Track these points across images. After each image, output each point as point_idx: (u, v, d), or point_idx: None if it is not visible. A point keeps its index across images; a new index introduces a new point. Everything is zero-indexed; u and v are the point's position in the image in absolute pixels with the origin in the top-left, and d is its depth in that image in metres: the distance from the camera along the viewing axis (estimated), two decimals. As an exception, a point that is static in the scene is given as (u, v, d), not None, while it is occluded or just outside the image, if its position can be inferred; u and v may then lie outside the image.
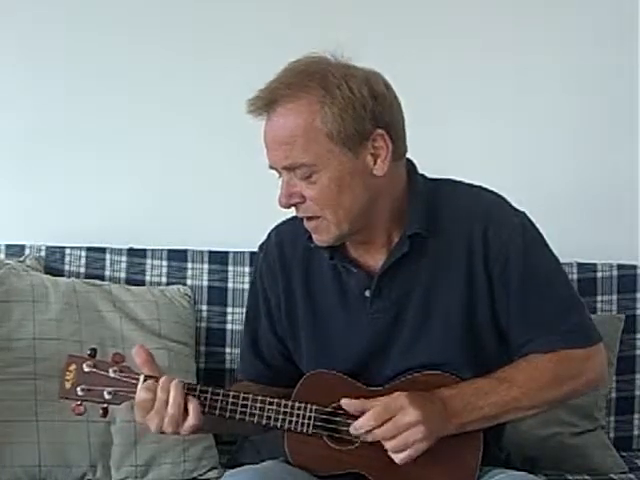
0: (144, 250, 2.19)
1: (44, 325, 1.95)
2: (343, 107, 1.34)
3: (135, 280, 2.17)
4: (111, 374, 1.39)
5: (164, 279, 2.18)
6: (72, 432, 1.88)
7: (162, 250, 2.19)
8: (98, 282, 2.10)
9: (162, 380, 1.36)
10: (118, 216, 2.30)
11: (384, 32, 2.29)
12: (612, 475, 1.99)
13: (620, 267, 2.20)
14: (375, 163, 1.38)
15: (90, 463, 1.90)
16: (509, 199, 1.48)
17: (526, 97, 2.34)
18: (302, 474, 1.42)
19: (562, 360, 1.40)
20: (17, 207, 2.31)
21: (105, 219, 2.30)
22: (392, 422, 1.30)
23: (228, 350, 2.15)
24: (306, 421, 1.39)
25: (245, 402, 1.39)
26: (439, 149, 2.16)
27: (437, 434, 1.33)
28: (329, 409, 1.40)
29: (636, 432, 2.20)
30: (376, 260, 1.45)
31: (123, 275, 2.17)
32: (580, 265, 2.19)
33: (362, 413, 1.33)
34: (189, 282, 2.17)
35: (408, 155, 1.47)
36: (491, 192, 1.48)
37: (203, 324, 2.16)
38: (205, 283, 2.17)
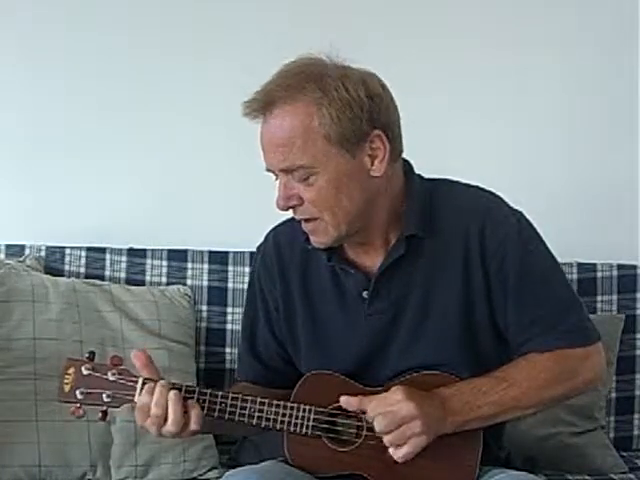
0: (144, 250, 2.19)
1: (44, 325, 1.95)
2: (340, 108, 1.34)
3: (135, 280, 2.17)
4: (110, 377, 1.39)
5: (164, 279, 2.18)
6: (72, 432, 1.88)
7: (162, 250, 2.19)
8: (98, 282, 2.11)
9: (156, 394, 1.34)
10: (118, 216, 2.30)
11: (384, 32, 2.29)
12: (612, 475, 1.99)
13: (620, 267, 2.20)
14: (372, 164, 1.38)
15: (90, 463, 1.90)
16: (509, 199, 1.48)
17: (526, 97, 2.34)
18: (302, 475, 1.42)
19: (560, 359, 1.40)
20: (17, 207, 2.31)
21: (105, 219, 2.30)
22: (390, 415, 1.30)
23: (228, 350, 2.15)
24: (305, 422, 1.39)
25: (244, 404, 1.39)
26: (438, 149, 2.16)
27: (435, 431, 1.33)
28: (328, 410, 1.40)
29: (636, 432, 2.20)
30: (374, 261, 1.45)
31: (123, 275, 2.17)
32: (580, 265, 2.19)
33: (361, 411, 1.34)
34: (189, 282, 2.17)
35: (407, 156, 1.47)
36: (488, 192, 1.47)
37: (203, 324, 2.16)
38: (205, 283, 2.17)
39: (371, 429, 1.35)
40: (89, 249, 2.18)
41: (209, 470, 1.97)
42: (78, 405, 1.39)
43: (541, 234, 1.47)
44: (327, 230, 1.39)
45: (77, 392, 1.39)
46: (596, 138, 2.37)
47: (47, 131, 2.32)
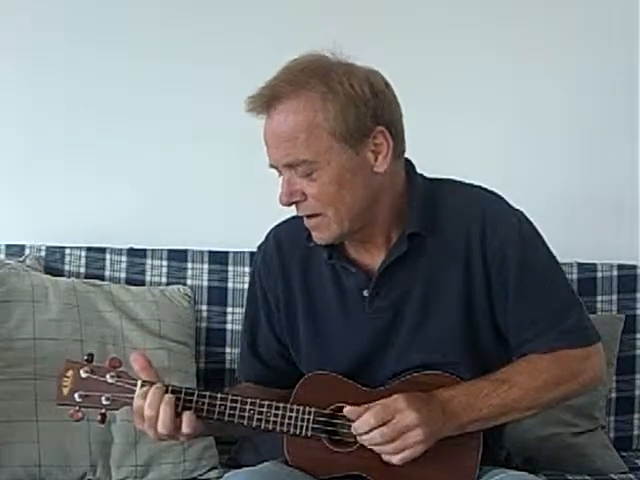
0: (144, 250, 2.19)
1: (44, 325, 1.95)
2: (345, 104, 1.34)
3: (135, 280, 2.17)
4: (108, 379, 1.38)
5: (164, 279, 2.18)
6: (72, 432, 1.88)
7: (162, 250, 2.19)
8: (98, 282, 2.11)
9: (149, 397, 1.34)
10: (118, 216, 2.30)
11: (384, 32, 2.28)
12: (612, 475, 1.99)
13: (620, 267, 2.20)
14: (376, 160, 1.38)
15: (90, 463, 1.90)
16: (509, 199, 1.48)
17: (526, 98, 2.34)
18: (302, 476, 1.42)
19: (561, 360, 1.40)
20: (17, 207, 2.31)
21: (105, 219, 2.30)
22: (391, 425, 1.29)
23: (228, 350, 2.15)
24: (305, 424, 1.38)
25: (244, 406, 1.38)
26: (439, 149, 2.16)
27: (436, 436, 1.32)
28: (328, 411, 1.40)
29: (636, 432, 2.20)
30: (375, 260, 1.45)
31: (123, 275, 2.17)
32: (580, 265, 2.19)
33: None
34: (189, 282, 2.17)
35: (408, 155, 1.47)
36: (489, 191, 1.47)
37: (203, 324, 2.16)
38: (205, 283, 2.17)
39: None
40: (89, 249, 2.18)
41: (209, 470, 1.97)
42: (77, 408, 1.39)
43: (541, 234, 1.47)
44: (330, 226, 1.39)
45: (76, 395, 1.39)
46: (596, 138, 2.37)
47: (47, 131, 2.32)
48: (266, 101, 1.36)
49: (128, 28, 2.32)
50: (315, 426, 1.38)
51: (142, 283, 2.17)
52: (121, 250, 2.19)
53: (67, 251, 2.18)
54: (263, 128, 1.39)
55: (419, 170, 1.49)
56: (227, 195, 2.31)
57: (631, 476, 1.99)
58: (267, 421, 1.38)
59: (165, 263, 2.18)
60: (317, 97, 1.34)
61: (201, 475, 1.96)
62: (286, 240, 1.55)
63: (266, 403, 1.39)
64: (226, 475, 1.42)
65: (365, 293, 1.45)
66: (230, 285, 2.17)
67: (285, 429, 1.39)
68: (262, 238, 1.60)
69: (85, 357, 1.41)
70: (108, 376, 1.39)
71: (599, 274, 2.19)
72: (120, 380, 1.38)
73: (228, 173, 2.31)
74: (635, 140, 2.35)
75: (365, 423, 1.31)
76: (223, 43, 2.31)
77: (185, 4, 2.34)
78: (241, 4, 2.33)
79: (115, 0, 2.33)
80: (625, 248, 2.30)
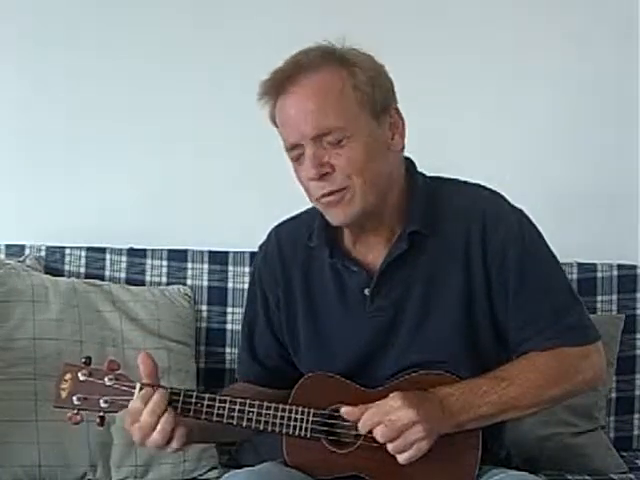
0: (144, 250, 2.19)
1: (44, 325, 1.95)
2: (370, 74, 1.37)
3: (135, 280, 2.17)
4: (107, 382, 1.38)
5: (164, 279, 2.18)
6: (72, 432, 1.87)
7: (162, 250, 2.19)
8: (98, 282, 2.11)
9: (152, 403, 1.33)
10: (118, 216, 2.30)
11: (384, 32, 2.28)
12: (612, 475, 1.99)
13: (620, 267, 2.20)
14: (393, 137, 1.40)
15: (90, 463, 1.90)
16: (509, 199, 1.48)
17: (526, 97, 2.34)
18: (300, 476, 1.42)
19: (560, 358, 1.40)
20: (17, 207, 2.31)
21: (105, 219, 2.30)
22: (390, 423, 1.29)
23: (228, 350, 2.15)
24: (304, 425, 1.38)
25: (242, 407, 1.38)
26: (439, 148, 2.16)
27: (436, 433, 1.32)
28: (327, 412, 1.39)
29: (636, 432, 2.20)
30: (375, 259, 1.45)
31: (123, 275, 2.17)
32: (580, 265, 2.19)
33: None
34: (189, 282, 2.17)
35: (407, 153, 1.48)
36: (489, 190, 1.48)
37: (203, 324, 2.16)
38: (205, 283, 2.17)
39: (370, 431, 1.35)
40: (89, 249, 2.18)
41: (209, 470, 1.97)
42: (75, 411, 1.38)
43: (542, 233, 1.47)
44: (354, 200, 1.37)
45: (74, 398, 1.38)
46: (596, 138, 2.37)
47: (47, 131, 2.32)
48: (288, 76, 1.36)
49: (128, 28, 2.32)
50: (314, 427, 1.38)
51: (142, 283, 2.17)
52: (121, 250, 2.19)
53: (67, 251, 2.18)
54: (282, 108, 1.38)
55: (419, 169, 1.50)
56: (227, 195, 2.31)
57: (631, 476, 1.99)
58: (266, 422, 1.38)
59: (165, 263, 2.18)
60: (342, 68, 1.37)
61: (201, 475, 1.96)
62: (287, 239, 1.55)
63: (265, 404, 1.38)
64: (225, 475, 1.42)
65: (366, 292, 1.45)
66: (230, 285, 2.17)
67: (284, 430, 1.38)
68: (262, 238, 1.60)
69: (83, 360, 1.40)
70: (106, 379, 1.38)
71: (599, 274, 2.19)
72: (118, 383, 1.38)
73: (228, 173, 2.31)
74: (635, 140, 2.35)
75: (364, 424, 1.31)
76: (223, 43, 2.30)
77: (185, 4, 2.34)
78: (241, 4, 2.33)
79: (115, 0, 2.33)
80: (625, 248, 2.29)
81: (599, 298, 2.18)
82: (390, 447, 1.30)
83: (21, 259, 2.12)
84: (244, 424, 1.38)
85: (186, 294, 2.14)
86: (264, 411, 1.38)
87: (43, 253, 2.17)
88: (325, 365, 1.46)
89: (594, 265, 2.20)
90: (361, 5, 2.30)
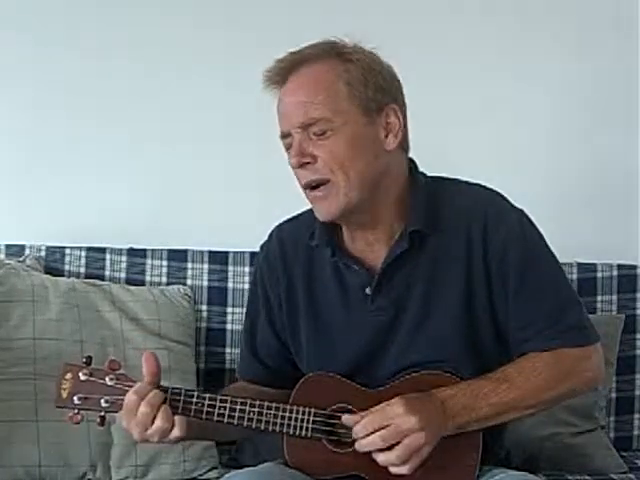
0: (144, 250, 2.19)
1: (44, 325, 1.95)
2: (365, 73, 1.39)
3: (135, 280, 2.17)
4: (108, 382, 1.38)
5: (164, 279, 2.18)
6: (72, 432, 1.87)
7: (162, 250, 2.19)
8: (98, 282, 2.11)
9: (150, 396, 1.33)
10: (118, 216, 2.30)
11: (383, 31, 2.27)
12: (612, 475, 1.99)
13: (620, 267, 2.20)
14: (387, 137, 1.41)
15: (90, 463, 1.90)
16: (509, 199, 1.48)
17: (527, 97, 2.34)
18: (301, 476, 1.42)
19: (560, 359, 1.40)
20: (17, 207, 2.31)
21: (105, 219, 2.30)
22: (391, 429, 1.29)
23: (228, 350, 2.15)
24: (305, 424, 1.38)
25: (243, 407, 1.38)
26: (439, 148, 2.15)
27: (437, 436, 1.32)
28: (327, 412, 1.39)
29: (636, 432, 2.20)
30: (377, 257, 1.46)
31: (123, 275, 2.17)
32: (580, 265, 2.19)
33: None
34: (189, 282, 2.17)
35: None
36: (490, 190, 1.48)
37: (203, 324, 2.16)
38: (205, 283, 2.17)
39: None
40: (89, 249, 2.18)
41: (209, 470, 1.96)
42: (76, 411, 1.38)
43: (542, 233, 1.47)
44: (338, 195, 1.38)
45: (75, 398, 1.38)
46: (596, 138, 2.37)
47: (47, 131, 2.32)
48: (289, 67, 1.40)
49: (128, 28, 2.32)
50: (315, 427, 1.38)
51: (142, 283, 2.17)
52: (121, 250, 2.19)
53: (67, 251, 2.18)
54: (279, 99, 1.41)
55: (419, 168, 1.50)
56: (227, 195, 2.31)
57: (631, 476, 1.99)
58: (267, 422, 1.38)
59: (165, 263, 2.18)
60: (339, 63, 1.39)
61: (201, 475, 1.96)
62: (289, 239, 1.55)
63: (266, 404, 1.38)
64: (226, 476, 1.42)
65: (368, 291, 1.45)
66: (230, 285, 2.17)
67: (285, 430, 1.38)
68: (262, 238, 1.60)
69: (84, 359, 1.40)
70: (107, 378, 1.38)
71: (599, 274, 2.19)
72: (119, 382, 1.38)
73: (228, 173, 2.31)
74: (635, 140, 2.35)
75: (363, 428, 1.31)
76: (224, 43, 2.30)
77: (186, 3, 2.34)
78: (242, 4, 2.33)
79: (116, 1, 2.32)
80: (625, 248, 2.30)
81: (599, 298, 2.18)
82: (393, 456, 1.30)
83: (21, 259, 2.12)
84: (245, 424, 1.38)
85: (186, 294, 2.14)
86: (265, 411, 1.38)
87: (43, 253, 2.17)
88: (326, 364, 1.46)
89: (594, 265, 2.20)
90: (361, 5, 2.30)
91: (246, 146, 2.27)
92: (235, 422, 1.38)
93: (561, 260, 1.49)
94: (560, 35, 2.35)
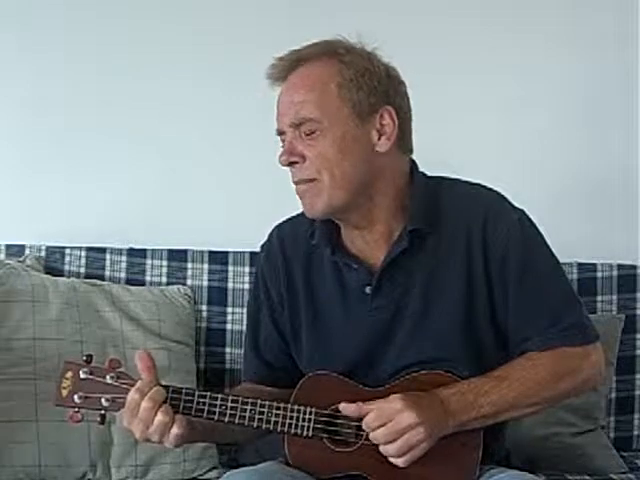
0: (144, 250, 2.19)
1: (44, 325, 1.95)
2: (360, 74, 1.39)
3: (135, 280, 2.17)
4: (108, 380, 1.38)
5: (164, 279, 2.18)
6: (72, 432, 1.87)
7: (162, 250, 2.19)
8: (98, 282, 2.11)
9: (152, 393, 1.34)
10: (118, 216, 2.30)
11: (383, 31, 2.27)
12: (612, 475, 1.99)
13: (620, 267, 2.20)
14: (379, 139, 1.41)
15: (90, 463, 1.90)
16: (509, 198, 1.48)
17: (526, 97, 2.34)
18: (302, 475, 1.42)
19: (560, 358, 1.40)
20: (17, 207, 2.31)
21: (105, 219, 2.30)
22: (391, 425, 1.30)
23: (228, 350, 2.15)
24: (305, 424, 1.38)
25: (244, 406, 1.38)
26: (438, 148, 2.15)
27: (437, 434, 1.32)
28: (328, 411, 1.39)
29: (636, 432, 2.20)
30: (377, 256, 1.46)
31: (123, 275, 2.17)
32: (580, 265, 2.19)
33: (360, 417, 1.33)
34: (189, 282, 2.17)
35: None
36: (490, 189, 1.48)
37: (203, 324, 2.16)
38: (205, 283, 2.17)
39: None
40: (89, 249, 2.18)
41: (209, 470, 1.97)
42: (76, 410, 1.38)
43: (542, 233, 1.47)
44: (322, 194, 1.40)
45: (75, 396, 1.38)
46: (596, 138, 2.37)
47: (47, 131, 2.32)
48: (289, 66, 1.41)
49: (128, 29, 2.32)
50: (316, 426, 1.38)
51: (142, 283, 2.17)
52: (121, 250, 2.19)
53: (67, 251, 2.18)
54: (279, 93, 1.43)
55: (420, 169, 1.50)
56: (227, 195, 2.31)
57: (631, 476, 1.99)
58: (268, 421, 1.38)
59: (165, 263, 2.18)
60: (335, 63, 1.40)
61: (201, 475, 1.96)
62: (289, 238, 1.55)
63: (267, 403, 1.38)
64: (227, 474, 1.41)
65: (367, 290, 1.45)
66: (230, 285, 2.17)
67: (286, 429, 1.38)
68: (262, 238, 1.61)
69: (84, 358, 1.40)
70: (108, 377, 1.38)
71: (599, 274, 2.19)
72: (120, 381, 1.38)
73: (228, 173, 2.31)
74: (635, 140, 2.35)
75: (366, 425, 1.31)
76: (224, 43, 2.30)
77: (186, 7, 2.34)
78: (242, 3, 2.33)
79: (115, 2, 2.33)
80: (625, 248, 2.30)
81: (599, 298, 2.18)
82: (391, 449, 1.30)
83: (21, 259, 2.12)
84: (246, 423, 1.38)
85: (186, 294, 2.14)
86: (266, 410, 1.38)
87: (43, 253, 2.17)
88: (326, 363, 1.46)
89: (594, 265, 2.20)
90: (361, 6, 2.30)
91: (246, 146, 2.27)
92: (236, 421, 1.38)
93: (561, 260, 1.49)
94: (560, 35, 2.35)
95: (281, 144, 1.44)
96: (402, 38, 2.27)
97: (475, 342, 1.43)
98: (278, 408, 1.38)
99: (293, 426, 1.38)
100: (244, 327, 1.69)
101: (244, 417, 1.38)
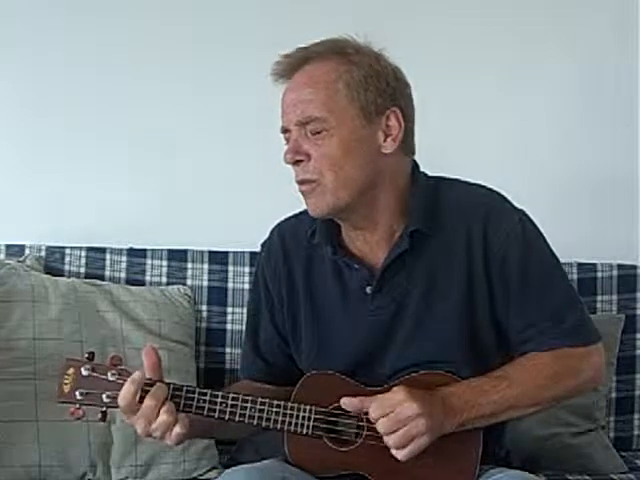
0: (144, 250, 2.19)
1: (44, 325, 1.94)
2: (368, 75, 1.39)
3: (135, 280, 2.17)
4: (109, 377, 1.38)
5: (164, 279, 2.18)
6: (72, 432, 1.88)
7: (162, 250, 2.19)
8: (98, 282, 2.11)
9: (155, 389, 1.34)
10: (118, 216, 2.30)
11: (383, 30, 2.27)
12: (612, 475, 1.99)
13: (620, 267, 2.20)
14: (385, 141, 1.41)
15: (90, 463, 1.90)
16: (509, 199, 1.48)
17: (526, 96, 2.34)
18: (301, 473, 1.42)
19: (561, 358, 1.40)
20: (17, 207, 2.31)
21: (105, 219, 2.30)
22: (393, 415, 1.30)
23: (228, 350, 2.15)
24: (306, 422, 1.39)
25: (245, 404, 1.38)
26: (439, 148, 2.15)
27: (437, 430, 1.32)
28: (329, 410, 1.40)
29: (636, 432, 2.20)
30: (377, 256, 1.46)
31: (123, 275, 2.17)
32: (580, 265, 2.19)
33: (362, 412, 1.34)
34: (189, 282, 2.17)
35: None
36: (490, 190, 1.48)
37: (203, 324, 2.16)
38: (205, 283, 2.17)
39: (372, 429, 1.35)
40: (89, 249, 2.18)
41: (209, 470, 1.97)
42: (77, 406, 1.38)
43: (543, 233, 1.47)
44: (325, 194, 1.40)
45: (77, 393, 1.38)
46: (596, 138, 2.37)
47: (47, 131, 2.32)
48: (295, 63, 1.40)
49: (128, 29, 2.32)
50: (316, 424, 1.39)
51: (142, 283, 2.17)
52: (121, 250, 2.19)
53: (67, 251, 2.18)
54: (284, 92, 1.42)
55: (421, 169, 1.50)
56: (227, 195, 2.31)
57: (631, 476, 1.99)
58: (268, 419, 1.39)
59: (165, 263, 2.18)
60: (343, 63, 1.39)
61: (201, 475, 1.96)
62: (289, 237, 1.55)
63: (267, 401, 1.39)
64: (227, 471, 1.42)
65: (368, 290, 1.45)
66: (230, 285, 2.17)
67: (286, 427, 1.39)
68: (262, 238, 1.61)
69: (86, 355, 1.41)
70: (109, 374, 1.38)
71: (599, 274, 2.19)
72: (121, 378, 1.38)
73: (228, 173, 2.31)
74: (635, 140, 2.35)
75: (370, 416, 1.31)
76: (224, 43, 2.30)
77: (186, 6, 2.34)
78: (242, 4, 2.33)
79: (115, 3, 2.32)
80: (625, 248, 2.30)
81: (599, 298, 2.18)
82: (391, 440, 1.30)
83: (21, 259, 2.12)
84: (246, 421, 1.39)
85: (186, 294, 2.14)
86: (266, 408, 1.39)
87: (43, 253, 2.17)
88: (326, 363, 1.46)
89: (594, 265, 2.20)
90: (361, 6, 2.30)
91: (246, 146, 2.27)
92: (236, 419, 1.39)
93: (561, 260, 1.49)
94: (560, 35, 2.35)
95: (285, 142, 1.44)
96: (402, 38, 2.27)
97: (476, 342, 1.43)
98: (278, 406, 1.39)
99: (293, 424, 1.39)
100: (244, 327, 1.69)
101: (244, 415, 1.38)
